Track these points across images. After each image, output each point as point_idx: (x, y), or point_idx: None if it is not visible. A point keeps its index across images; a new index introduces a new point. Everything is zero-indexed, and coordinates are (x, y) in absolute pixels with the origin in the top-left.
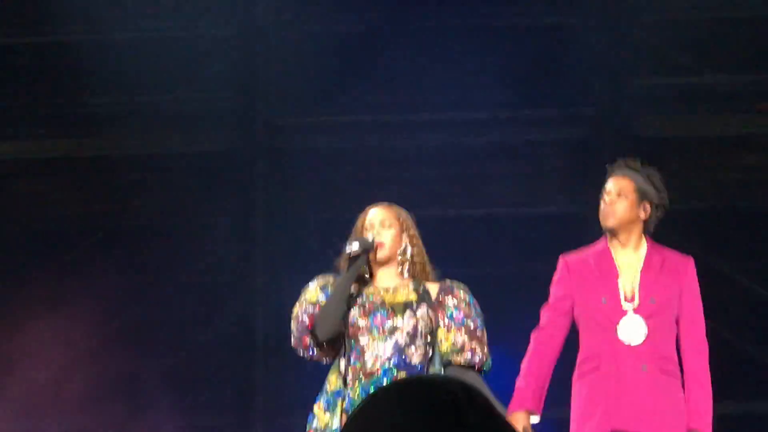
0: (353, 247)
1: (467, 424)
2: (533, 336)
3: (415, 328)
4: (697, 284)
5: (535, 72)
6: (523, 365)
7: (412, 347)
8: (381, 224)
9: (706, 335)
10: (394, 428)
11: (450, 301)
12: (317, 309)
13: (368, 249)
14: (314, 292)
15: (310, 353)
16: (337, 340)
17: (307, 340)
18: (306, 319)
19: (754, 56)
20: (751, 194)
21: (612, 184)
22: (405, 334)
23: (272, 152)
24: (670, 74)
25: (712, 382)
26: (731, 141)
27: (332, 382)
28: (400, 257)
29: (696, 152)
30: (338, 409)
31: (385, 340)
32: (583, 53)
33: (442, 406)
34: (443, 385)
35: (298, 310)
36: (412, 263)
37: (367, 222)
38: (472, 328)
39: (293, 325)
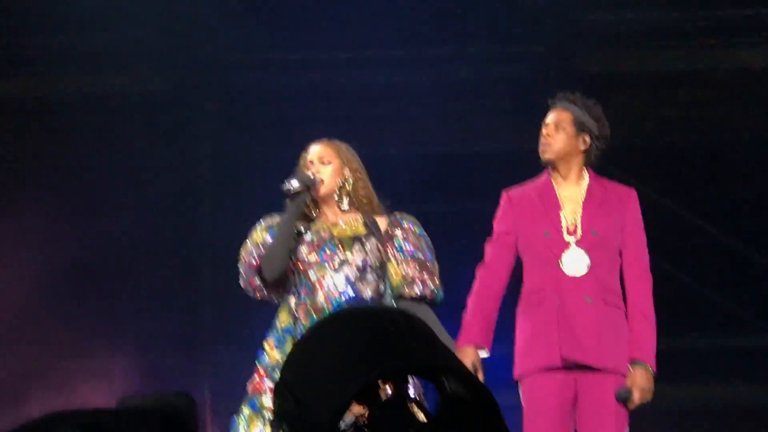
0: (292, 184)
1: (410, 353)
2: (478, 272)
3: (365, 261)
4: (640, 216)
5: (480, 9)
6: (470, 301)
7: (363, 281)
8: (320, 160)
9: (650, 268)
10: (337, 355)
11: (399, 234)
12: (263, 250)
13: (308, 185)
14: (260, 234)
15: (260, 294)
16: (286, 279)
17: (255, 281)
18: (253, 261)
19: None
20: (694, 129)
21: (550, 117)
22: (355, 267)
23: (219, 90)
24: (613, 10)
25: (656, 318)
26: (673, 77)
27: (282, 319)
28: (338, 191)
29: (639, 88)
30: (288, 346)
31: (336, 274)
32: None
33: (385, 335)
34: (385, 314)
35: (244, 251)
36: (356, 196)
37: (307, 159)
38: (422, 259)
39: (241, 268)
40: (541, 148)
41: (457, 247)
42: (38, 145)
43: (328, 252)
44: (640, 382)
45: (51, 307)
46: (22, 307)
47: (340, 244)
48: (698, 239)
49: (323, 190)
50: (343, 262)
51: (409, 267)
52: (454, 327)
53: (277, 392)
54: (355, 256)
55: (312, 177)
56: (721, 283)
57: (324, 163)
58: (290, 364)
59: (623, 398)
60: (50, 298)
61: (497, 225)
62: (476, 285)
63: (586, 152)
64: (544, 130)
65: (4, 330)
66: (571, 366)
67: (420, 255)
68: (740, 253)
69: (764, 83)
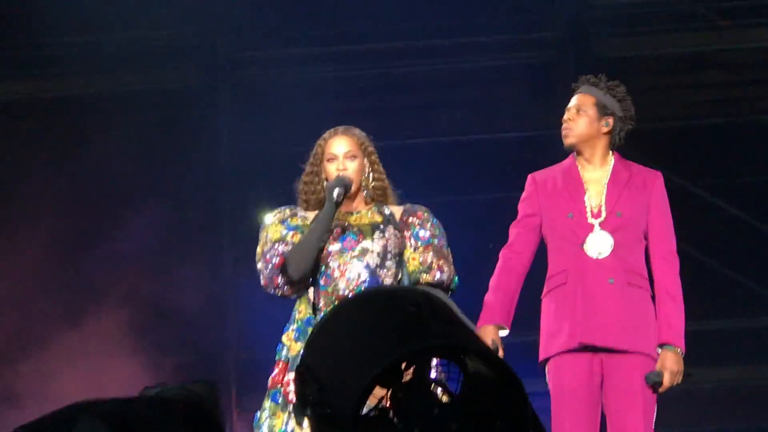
0: (339, 192)
1: (431, 333)
2: (502, 253)
3: (385, 248)
4: (666, 198)
5: None
6: (492, 281)
7: (383, 268)
8: (345, 156)
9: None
10: (358, 336)
11: (415, 221)
12: (284, 246)
13: (349, 189)
14: (276, 229)
15: (281, 291)
16: (309, 276)
17: (278, 279)
18: (275, 259)
19: None
20: (712, 111)
21: (572, 101)
22: (376, 254)
23: (235, 87)
24: None
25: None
26: (690, 59)
27: (301, 310)
28: (363, 182)
29: (656, 71)
30: None
31: (357, 262)
32: None
33: (407, 315)
34: (406, 296)
35: (263, 249)
36: (374, 187)
37: (329, 152)
38: (438, 246)
39: (261, 266)
40: (563, 133)
41: (471, 236)
42: (58, 146)
43: (348, 240)
44: (670, 364)
45: (73, 308)
46: (39, 310)
47: (360, 231)
48: (720, 221)
49: (353, 188)
50: (365, 250)
51: (426, 253)
52: (468, 315)
53: (299, 377)
54: (376, 244)
55: (349, 180)
56: (747, 265)
57: (349, 158)
58: (311, 348)
59: (653, 381)
60: (75, 295)
61: (522, 207)
62: (499, 265)
63: (611, 134)
64: (566, 115)
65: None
66: (595, 348)
67: (436, 242)
68: (757, 231)
69: None
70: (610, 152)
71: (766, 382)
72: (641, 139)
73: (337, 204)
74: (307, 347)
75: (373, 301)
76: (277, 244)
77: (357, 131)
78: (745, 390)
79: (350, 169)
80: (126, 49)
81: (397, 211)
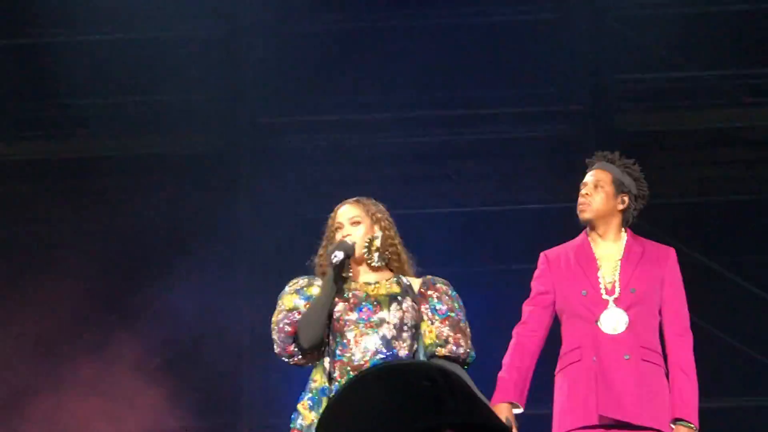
0: (337, 256)
1: (447, 410)
2: (515, 330)
3: (402, 320)
4: (679, 274)
5: (516, 69)
6: (506, 359)
7: (399, 340)
8: (349, 222)
9: (692, 330)
10: (372, 413)
11: (433, 294)
12: (297, 315)
13: (349, 253)
14: (290, 298)
15: (296, 359)
16: (321, 345)
17: (291, 348)
18: (288, 328)
19: (735, 51)
20: (733, 188)
21: (589, 177)
22: (392, 326)
23: (256, 152)
24: (652, 69)
25: (698, 378)
26: (713, 135)
27: (317, 379)
28: (367, 248)
29: (678, 147)
30: (323, 407)
31: (373, 333)
32: (565, 49)
33: (422, 391)
34: (423, 371)
35: (277, 318)
36: (386, 251)
37: (337, 221)
38: (455, 320)
39: (275, 335)
40: (579, 207)
41: (498, 309)
42: (84, 206)
43: (365, 311)
44: None
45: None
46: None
47: (377, 302)
48: (740, 300)
49: (357, 252)
50: (382, 321)
51: (443, 327)
52: (484, 391)
53: None
54: (393, 315)
55: (351, 244)
56: (759, 340)
57: (353, 224)
58: (325, 422)
59: None
60: (99, 348)
61: (535, 284)
62: (513, 343)
63: (625, 212)
64: (583, 190)
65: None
66: (610, 425)
67: (453, 315)
68: None
69: None
70: (623, 229)
71: None
72: (660, 213)
73: (336, 267)
74: (320, 420)
75: (388, 375)
76: (290, 313)
77: (366, 200)
78: None
79: (354, 234)
80: (147, 112)
81: (415, 282)
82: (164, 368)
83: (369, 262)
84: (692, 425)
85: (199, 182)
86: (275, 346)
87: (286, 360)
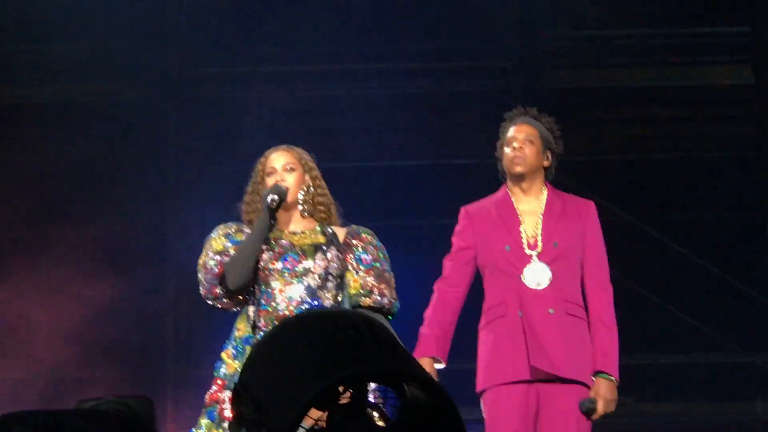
0: (273, 197)
1: (370, 358)
2: (436, 286)
3: (327, 270)
4: (599, 227)
5: (444, 24)
6: (427, 314)
7: (324, 290)
8: (283, 168)
9: (614, 285)
10: (295, 360)
11: (358, 244)
12: (225, 258)
13: (283, 197)
14: (219, 241)
15: (220, 302)
16: (247, 288)
17: (217, 290)
18: (215, 269)
19: (663, 10)
20: (658, 146)
21: (517, 132)
22: (317, 276)
23: (184, 101)
24: (579, 26)
25: (619, 333)
26: (639, 94)
27: (240, 328)
28: (302, 197)
29: (604, 105)
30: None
31: (297, 282)
32: (495, 4)
33: (345, 339)
34: (347, 319)
35: (204, 260)
36: (314, 204)
37: (268, 166)
38: (380, 270)
39: (201, 275)
40: (510, 161)
41: (416, 262)
42: (8, 152)
43: (290, 260)
44: (604, 392)
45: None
46: None
47: (302, 252)
48: (662, 256)
49: (290, 198)
50: (306, 271)
51: (368, 276)
52: (407, 342)
53: (236, 396)
54: (317, 265)
55: (285, 188)
56: (682, 298)
57: (287, 170)
58: (249, 368)
59: (587, 409)
60: (20, 305)
61: (456, 240)
62: (434, 298)
63: (547, 168)
64: (515, 143)
65: None
66: (534, 378)
67: (378, 265)
68: (699, 268)
69: (727, 101)
70: (544, 184)
71: (705, 418)
72: (585, 170)
73: (271, 210)
74: (245, 366)
75: (312, 323)
76: (218, 255)
77: (298, 148)
78: (684, 425)
79: (288, 180)
80: (76, 60)
81: (340, 232)
82: (88, 321)
83: (301, 213)
84: (613, 378)
85: (127, 132)
86: (201, 288)
87: (211, 303)
